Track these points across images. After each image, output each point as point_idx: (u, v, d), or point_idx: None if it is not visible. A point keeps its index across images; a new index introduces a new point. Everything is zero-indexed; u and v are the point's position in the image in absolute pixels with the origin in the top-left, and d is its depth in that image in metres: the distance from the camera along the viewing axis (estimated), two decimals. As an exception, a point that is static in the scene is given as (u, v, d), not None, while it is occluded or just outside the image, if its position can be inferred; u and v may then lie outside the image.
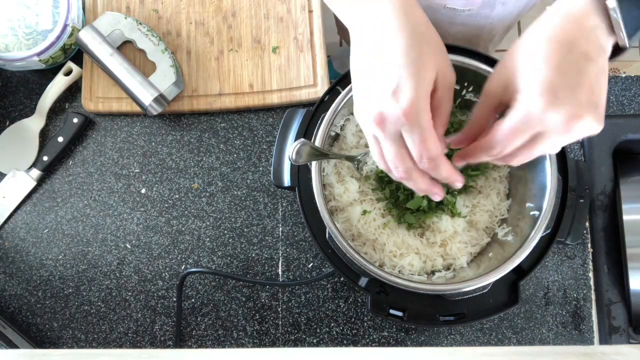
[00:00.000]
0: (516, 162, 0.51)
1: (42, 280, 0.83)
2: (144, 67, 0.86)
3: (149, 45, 0.84)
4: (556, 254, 0.81)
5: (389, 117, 0.48)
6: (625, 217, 0.77)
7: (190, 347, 0.81)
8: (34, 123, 0.86)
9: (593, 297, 0.80)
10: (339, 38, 1.68)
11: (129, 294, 0.82)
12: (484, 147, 0.50)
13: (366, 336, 0.80)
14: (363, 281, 0.68)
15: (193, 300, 0.82)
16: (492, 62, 0.71)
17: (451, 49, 0.72)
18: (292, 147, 0.63)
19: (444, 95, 0.50)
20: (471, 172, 0.75)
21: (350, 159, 0.74)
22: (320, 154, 0.67)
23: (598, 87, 0.45)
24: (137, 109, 0.84)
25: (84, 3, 0.89)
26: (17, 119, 0.87)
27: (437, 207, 0.74)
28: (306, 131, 0.72)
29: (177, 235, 0.84)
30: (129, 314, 0.82)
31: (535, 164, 0.69)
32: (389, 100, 0.47)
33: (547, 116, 0.45)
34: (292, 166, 0.72)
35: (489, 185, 0.76)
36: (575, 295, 0.80)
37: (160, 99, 0.81)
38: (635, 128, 0.83)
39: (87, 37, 0.82)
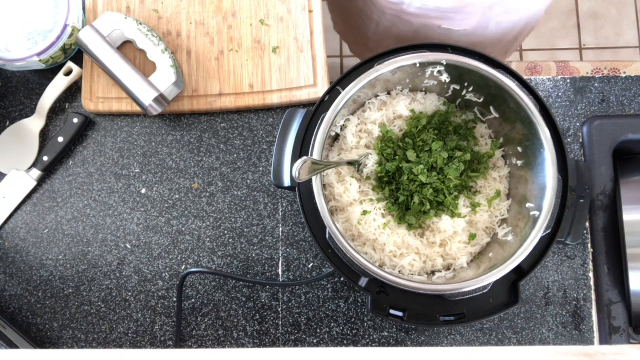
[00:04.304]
0: None
1: (42, 280, 0.83)
2: (144, 67, 0.86)
3: (149, 45, 0.84)
4: (556, 254, 0.81)
5: None
6: (625, 217, 0.77)
7: (190, 347, 0.81)
8: (34, 123, 0.86)
9: (593, 297, 0.80)
10: (339, 37, 1.68)
11: (129, 294, 0.82)
12: None
13: (366, 336, 0.80)
14: (363, 281, 0.68)
15: (193, 300, 0.82)
16: (492, 62, 0.71)
17: (452, 49, 0.72)
18: (294, 167, 0.64)
19: None
20: (471, 172, 0.75)
21: (352, 163, 0.74)
22: (322, 166, 0.67)
23: None
24: (137, 109, 0.84)
25: (84, 3, 0.89)
26: (17, 119, 0.87)
27: (437, 208, 0.74)
28: (306, 131, 0.72)
29: (177, 235, 0.84)
30: (129, 314, 0.82)
31: (535, 164, 0.69)
32: None
33: None
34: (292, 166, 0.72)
35: (489, 185, 0.76)
36: (575, 295, 0.80)
37: (160, 99, 0.81)
38: (635, 128, 0.83)
39: (87, 37, 0.82)
